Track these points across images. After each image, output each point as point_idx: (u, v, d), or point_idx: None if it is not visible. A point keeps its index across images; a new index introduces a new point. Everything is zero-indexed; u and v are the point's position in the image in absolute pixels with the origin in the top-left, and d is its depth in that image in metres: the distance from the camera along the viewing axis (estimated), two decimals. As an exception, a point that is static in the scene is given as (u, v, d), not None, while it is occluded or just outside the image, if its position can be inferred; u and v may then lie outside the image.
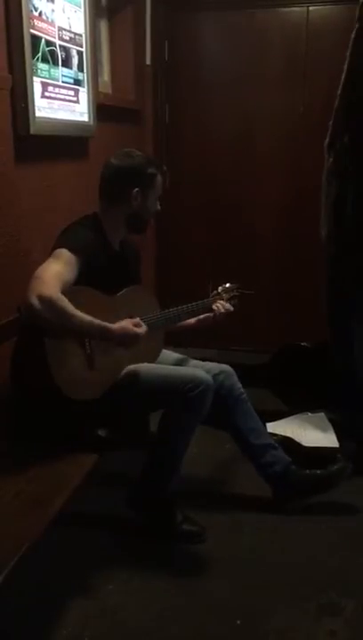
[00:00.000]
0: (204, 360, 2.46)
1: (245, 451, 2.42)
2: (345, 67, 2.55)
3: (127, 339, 1.96)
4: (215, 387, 2.20)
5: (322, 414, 2.97)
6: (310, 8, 3.42)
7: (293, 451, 2.53)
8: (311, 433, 2.82)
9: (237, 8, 3.52)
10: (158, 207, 2.24)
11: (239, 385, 2.38)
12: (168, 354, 2.40)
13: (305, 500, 2.39)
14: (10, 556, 1.45)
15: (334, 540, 2.26)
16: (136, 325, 1.98)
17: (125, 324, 1.97)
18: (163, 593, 1.99)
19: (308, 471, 2.41)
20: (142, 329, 1.99)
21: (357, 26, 2.51)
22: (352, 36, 2.52)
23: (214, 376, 2.24)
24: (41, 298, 1.75)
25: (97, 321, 1.88)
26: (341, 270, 2.73)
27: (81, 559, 2.14)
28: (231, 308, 2.40)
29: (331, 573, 2.08)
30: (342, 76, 2.57)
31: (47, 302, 1.76)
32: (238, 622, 1.88)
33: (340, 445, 2.71)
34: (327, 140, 2.67)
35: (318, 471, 2.42)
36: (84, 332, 1.89)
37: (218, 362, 2.43)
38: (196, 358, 2.47)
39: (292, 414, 3.00)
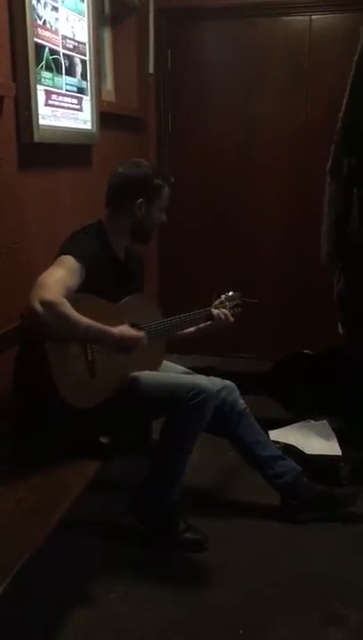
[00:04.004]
0: (207, 371, 2.45)
1: (252, 463, 2.41)
2: (347, 88, 2.55)
3: (127, 342, 1.98)
4: (218, 402, 2.21)
5: (325, 422, 2.97)
6: (313, 17, 3.44)
7: (295, 459, 2.51)
8: (314, 441, 2.81)
9: (240, 17, 3.54)
10: (164, 218, 2.23)
11: (242, 400, 2.37)
12: (172, 366, 2.39)
13: (313, 513, 2.38)
14: (11, 564, 1.44)
15: (338, 549, 2.24)
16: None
17: (125, 328, 1.99)
18: (165, 601, 1.98)
19: (320, 486, 2.42)
20: (142, 333, 2.01)
21: (360, 42, 2.50)
22: (356, 56, 2.51)
23: (217, 392, 2.23)
24: (43, 302, 1.76)
25: (98, 324, 1.89)
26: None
27: (83, 567, 2.13)
28: (231, 319, 2.40)
29: (335, 583, 2.06)
30: (345, 98, 2.56)
31: (49, 307, 1.76)
32: (241, 632, 1.86)
33: (343, 453, 2.71)
34: (330, 163, 2.67)
35: (331, 488, 2.44)
36: (85, 335, 1.89)
37: (220, 370, 2.43)
38: (199, 369, 2.47)
39: (295, 422, 2.99)
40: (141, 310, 2.18)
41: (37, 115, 2.24)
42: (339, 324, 2.89)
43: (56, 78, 2.40)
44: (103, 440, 2.05)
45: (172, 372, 2.34)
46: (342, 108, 2.58)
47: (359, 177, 2.62)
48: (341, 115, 2.59)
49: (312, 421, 2.98)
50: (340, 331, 2.90)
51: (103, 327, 1.91)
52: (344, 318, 2.86)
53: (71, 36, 2.50)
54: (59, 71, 2.42)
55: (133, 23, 3.39)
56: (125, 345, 1.98)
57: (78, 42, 2.57)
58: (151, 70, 3.60)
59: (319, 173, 2.76)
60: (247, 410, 2.38)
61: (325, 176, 2.72)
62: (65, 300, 1.80)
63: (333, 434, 2.86)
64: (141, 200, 2.12)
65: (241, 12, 3.53)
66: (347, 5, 3.33)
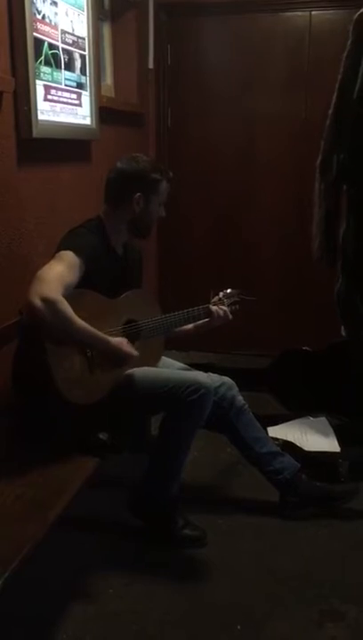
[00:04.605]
0: (206, 367, 2.45)
1: (251, 460, 2.41)
2: (337, 85, 2.57)
3: (120, 355, 2.00)
4: (216, 399, 2.22)
5: (324, 419, 2.97)
6: (313, 12, 3.43)
7: (294, 455, 2.52)
8: (313, 437, 2.82)
9: (240, 12, 3.53)
10: (163, 213, 2.23)
11: (241, 397, 2.37)
12: (171, 363, 2.39)
13: (311, 510, 2.38)
14: (10, 559, 1.44)
15: (336, 546, 2.25)
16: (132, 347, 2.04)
17: (123, 341, 2.01)
18: (163, 597, 1.99)
19: (319, 483, 2.42)
20: (135, 352, 2.04)
21: (349, 41, 2.52)
22: (345, 53, 2.54)
23: (216, 388, 2.24)
24: (43, 299, 1.75)
25: (95, 331, 1.90)
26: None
27: (81, 563, 2.13)
28: (230, 317, 2.39)
29: (333, 579, 2.07)
30: (334, 95, 2.58)
31: (49, 304, 1.76)
32: (239, 628, 1.87)
33: (341, 450, 2.71)
34: (319, 159, 2.69)
35: (329, 485, 2.45)
36: (80, 338, 1.89)
37: (219, 366, 2.42)
38: (198, 365, 2.47)
39: (293, 419, 2.99)
40: (139, 306, 2.18)
41: (36, 110, 2.23)
42: (342, 327, 2.90)
43: (55, 73, 2.39)
44: (102, 436, 2.05)
45: (170, 368, 2.34)
46: (332, 104, 2.59)
47: (348, 174, 2.63)
48: (330, 111, 2.60)
49: (311, 418, 2.98)
50: (342, 333, 2.90)
51: (98, 333, 1.92)
52: (342, 318, 2.86)
53: (70, 31, 2.49)
54: (58, 66, 2.41)
55: (133, 18, 3.38)
56: (116, 357, 2.00)
57: (78, 36, 2.56)
58: (151, 65, 3.59)
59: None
60: (246, 406, 2.39)
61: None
62: (63, 299, 1.79)
63: (331, 430, 2.86)
64: (138, 195, 2.12)
65: (241, 7, 3.52)
66: (347, 1, 3.31)
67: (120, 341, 2.01)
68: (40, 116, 2.26)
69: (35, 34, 2.19)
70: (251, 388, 2.70)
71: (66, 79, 2.48)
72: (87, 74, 2.66)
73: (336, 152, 2.62)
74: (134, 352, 2.04)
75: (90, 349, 1.96)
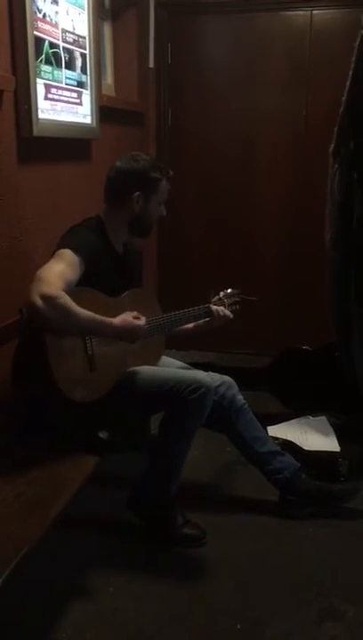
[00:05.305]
0: (206, 366, 2.45)
1: (250, 459, 2.41)
2: (350, 72, 2.57)
3: (128, 330, 1.99)
4: (217, 398, 2.22)
5: (324, 418, 2.97)
6: (314, 12, 3.42)
7: (294, 454, 2.52)
8: (313, 437, 2.82)
9: (241, 11, 3.52)
10: (163, 212, 2.23)
11: (241, 396, 2.37)
12: (171, 362, 2.39)
13: (311, 509, 2.38)
14: (10, 558, 1.44)
15: (336, 545, 2.25)
16: (135, 318, 2.01)
17: (125, 316, 2.00)
18: (163, 596, 1.99)
19: (318, 482, 2.42)
20: (142, 320, 2.02)
21: (362, 31, 2.52)
22: (357, 42, 2.54)
23: (216, 387, 2.24)
24: (43, 296, 1.76)
25: (99, 316, 1.90)
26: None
27: (81, 562, 2.13)
28: (230, 316, 2.40)
29: (333, 579, 2.07)
30: (348, 82, 2.58)
31: (49, 300, 1.76)
32: (239, 627, 1.87)
33: (341, 449, 2.71)
34: (333, 145, 2.69)
35: (329, 484, 2.44)
36: (86, 328, 1.90)
37: (219, 365, 2.42)
38: (198, 365, 2.47)
39: (293, 418, 2.99)
40: (140, 305, 2.18)
41: (37, 108, 2.23)
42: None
43: (56, 72, 2.39)
44: (102, 435, 2.05)
45: (170, 367, 2.34)
46: (345, 91, 2.59)
47: (358, 161, 2.62)
48: (343, 98, 2.60)
49: (311, 417, 2.98)
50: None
51: (103, 319, 1.93)
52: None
53: (71, 30, 2.49)
54: (58, 65, 2.41)
55: (134, 17, 3.37)
56: (126, 335, 1.99)
57: (78, 35, 2.56)
58: (151, 64, 3.59)
59: (320, 168, 2.76)
60: (246, 405, 2.39)
61: (326, 172, 2.72)
62: (65, 294, 1.80)
63: (331, 429, 2.86)
64: (138, 194, 2.12)
65: (242, 6, 3.51)
66: (348, 0, 3.32)
67: (124, 318, 1.99)
68: (40, 115, 2.26)
69: (35, 32, 2.19)
70: (251, 388, 2.70)
71: (66, 78, 2.48)
72: (88, 73, 2.66)
73: (351, 138, 2.61)
74: (141, 322, 2.02)
75: (96, 337, 1.96)
